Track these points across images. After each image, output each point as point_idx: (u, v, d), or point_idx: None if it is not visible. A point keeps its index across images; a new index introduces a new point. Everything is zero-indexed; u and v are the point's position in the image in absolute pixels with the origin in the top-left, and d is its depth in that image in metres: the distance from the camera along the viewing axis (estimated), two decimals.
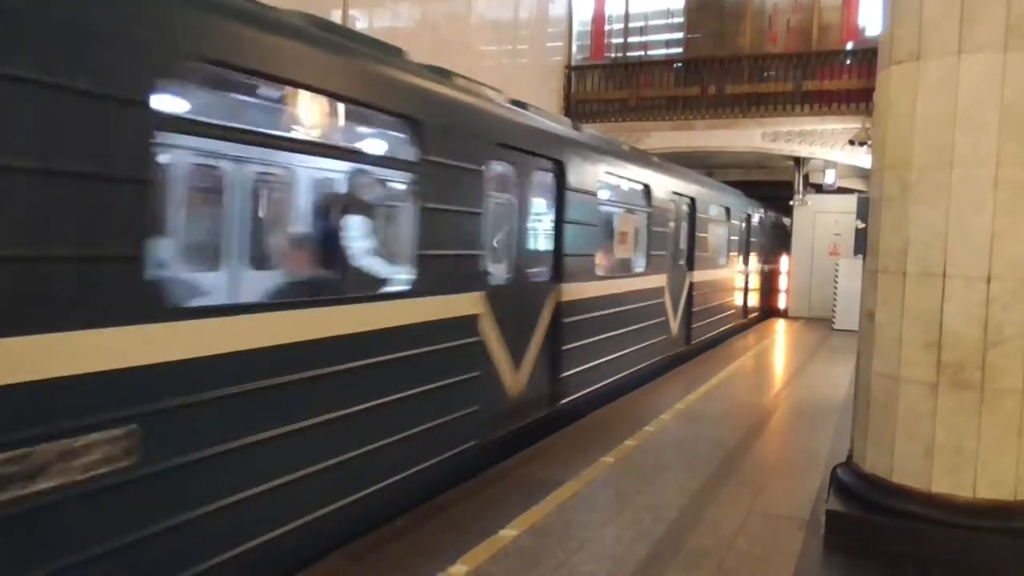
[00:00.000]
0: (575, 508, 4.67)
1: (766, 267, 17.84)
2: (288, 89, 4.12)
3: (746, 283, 15.49)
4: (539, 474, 5.27)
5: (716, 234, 12.81)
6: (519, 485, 5.04)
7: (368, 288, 4.62)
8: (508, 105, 6.23)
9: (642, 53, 17.77)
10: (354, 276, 4.71)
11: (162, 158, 3.82)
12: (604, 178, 7.87)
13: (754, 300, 16.51)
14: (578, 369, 7.16)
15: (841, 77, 15.29)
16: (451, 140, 5.00)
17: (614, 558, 3.97)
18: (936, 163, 4.05)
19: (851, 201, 15.89)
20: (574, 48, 17.82)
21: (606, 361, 7.88)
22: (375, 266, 4.79)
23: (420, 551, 3.96)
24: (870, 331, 4.43)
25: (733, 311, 14.40)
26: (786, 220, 18.49)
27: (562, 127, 7.32)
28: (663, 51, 17.96)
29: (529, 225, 6.48)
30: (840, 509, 4.37)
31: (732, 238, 14.00)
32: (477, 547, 4.00)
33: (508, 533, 4.21)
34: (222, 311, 3.48)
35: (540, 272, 6.60)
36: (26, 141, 2.59)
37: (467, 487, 4.97)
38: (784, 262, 18.40)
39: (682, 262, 10.90)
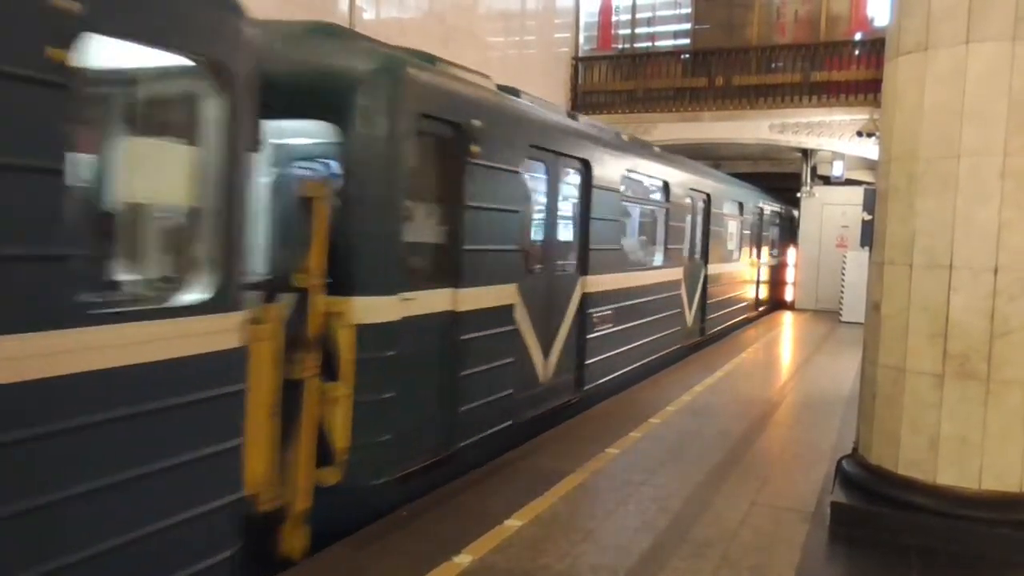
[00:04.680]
0: (580, 499, 4.69)
1: (775, 259, 17.87)
2: None
3: (776, 272, 18.89)
4: (544, 465, 5.29)
5: (772, 232, 17.65)
6: (524, 475, 5.06)
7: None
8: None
9: (649, 44, 17.68)
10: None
11: None
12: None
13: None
14: (713, 315, 12.22)
15: (849, 68, 15.18)
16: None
17: (618, 548, 3.99)
18: (943, 154, 4.03)
19: (859, 193, 15.70)
20: (581, 39, 17.71)
21: (725, 312, 13.00)
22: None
23: (425, 539, 3.98)
24: (876, 323, 4.42)
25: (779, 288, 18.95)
26: (794, 212, 18.45)
27: (710, 174, 11.96)
28: (671, 42, 17.86)
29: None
30: (845, 500, 4.38)
31: (779, 233, 18.60)
32: (482, 536, 4.03)
33: (513, 523, 4.23)
34: None
35: (698, 255, 11.36)
36: None
37: (472, 477, 5.00)
38: (791, 254, 18.36)
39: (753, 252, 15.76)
